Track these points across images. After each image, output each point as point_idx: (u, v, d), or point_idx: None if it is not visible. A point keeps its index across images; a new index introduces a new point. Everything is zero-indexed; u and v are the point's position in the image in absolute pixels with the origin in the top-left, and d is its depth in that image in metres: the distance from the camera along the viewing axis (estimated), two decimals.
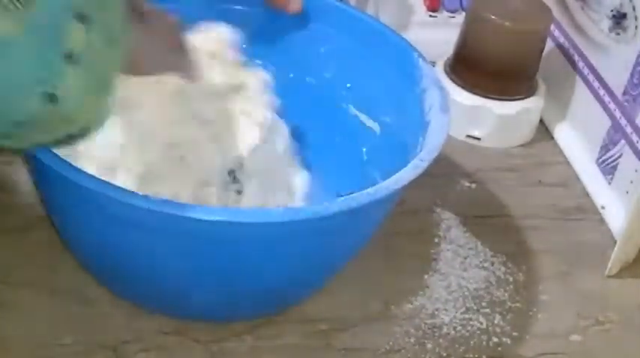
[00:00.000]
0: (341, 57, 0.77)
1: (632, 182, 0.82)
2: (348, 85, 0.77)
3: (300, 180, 0.73)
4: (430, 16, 0.96)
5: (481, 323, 0.72)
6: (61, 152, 0.58)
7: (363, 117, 0.76)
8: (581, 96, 0.90)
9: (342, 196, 0.64)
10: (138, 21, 0.62)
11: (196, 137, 0.68)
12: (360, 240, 0.67)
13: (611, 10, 0.85)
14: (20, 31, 0.48)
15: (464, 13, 0.93)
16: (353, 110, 0.76)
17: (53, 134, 0.55)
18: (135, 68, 0.60)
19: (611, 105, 0.85)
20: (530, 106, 0.91)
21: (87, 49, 0.51)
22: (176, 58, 0.68)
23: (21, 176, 0.75)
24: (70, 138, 0.55)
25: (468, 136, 0.91)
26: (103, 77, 0.54)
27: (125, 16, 0.54)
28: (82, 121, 0.55)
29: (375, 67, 0.74)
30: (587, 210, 0.85)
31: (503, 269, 0.77)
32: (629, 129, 0.83)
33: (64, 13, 0.50)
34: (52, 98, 0.50)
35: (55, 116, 0.52)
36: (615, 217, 0.83)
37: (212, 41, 0.70)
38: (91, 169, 0.60)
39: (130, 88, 0.63)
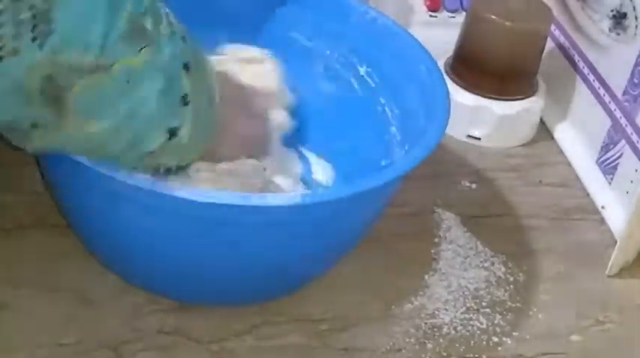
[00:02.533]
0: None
1: (632, 182, 0.82)
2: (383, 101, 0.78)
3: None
4: (430, 16, 0.96)
5: (481, 323, 0.72)
6: None
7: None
8: (582, 96, 0.90)
9: None
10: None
11: None
12: (335, 237, 0.68)
13: (612, 10, 0.85)
14: (140, 63, 0.55)
15: (464, 13, 0.93)
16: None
17: (168, 163, 0.62)
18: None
19: (612, 105, 0.85)
20: (531, 106, 0.91)
21: (193, 95, 0.59)
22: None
23: (22, 176, 0.75)
24: (171, 171, 0.63)
25: (469, 136, 0.91)
26: (204, 122, 0.62)
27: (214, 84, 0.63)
28: (188, 157, 0.63)
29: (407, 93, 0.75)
30: (587, 210, 0.85)
31: (503, 269, 0.77)
32: (629, 129, 0.83)
33: (176, 62, 0.58)
34: (174, 133, 0.59)
35: (174, 149, 0.60)
36: (615, 217, 0.83)
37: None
38: None
39: None
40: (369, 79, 0.78)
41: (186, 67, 0.59)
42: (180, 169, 0.63)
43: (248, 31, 0.75)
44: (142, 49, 0.55)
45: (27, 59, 0.50)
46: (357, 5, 0.78)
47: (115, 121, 0.56)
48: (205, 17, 0.74)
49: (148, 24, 0.55)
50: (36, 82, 0.52)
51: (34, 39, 0.50)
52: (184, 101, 0.59)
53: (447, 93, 0.70)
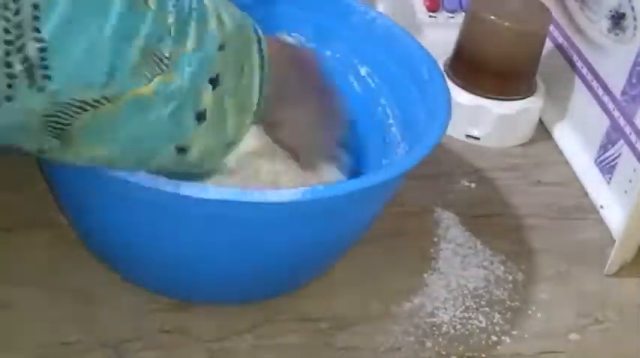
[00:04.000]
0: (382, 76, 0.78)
1: (630, 181, 0.82)
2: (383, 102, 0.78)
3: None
4: (430, 16, 0.96)
5: (480, 322, 0.72)
6: None
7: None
8: (580, 96, 0.91)
9: None
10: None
11: None
12: (331, 236, 0.68)
13: (610, 11, 0.85)
14: (152, 92, 0.53)
15: (463, 14, 0.93)
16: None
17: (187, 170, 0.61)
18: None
19: (610, 105, 0.86)
20: (530, 106, 0.91)
21: (214, 107, 0.57)
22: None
23: (21, 176, 0.76)
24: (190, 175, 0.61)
25: (468, 136, 0.91)
26: (226, 134, 0.59)
27: (260, 87, 0.60)
28: (203, 167, 0.61)
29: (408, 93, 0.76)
30: (586, 210, 0.85)
31: (502, 268, 0.77)
32: (627, 129, 0.83)
33: (198, 79, 0.55)
34: (181, 151, 0.57)
35: (182, 164, 0.59)
36: (614, 217, 0.83)
37: None
38: None
39: None
40: (369, 80, 0.78)
41: (212, 81, 0.56)
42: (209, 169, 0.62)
43: None
44: (155, 76, 0.53)
45: (24, 103, 0.49)
46: (357, 6, 0.79)
47: (121, 146, 0.55)
48: None
49: (167, 47, 0.53)
50: (36, 119, 0.50)
51: (30, 86, 0.48)
52: (199, 118, 0.56)
53: (448, 93, 0.71)
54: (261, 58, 0.60)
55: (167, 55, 0.53)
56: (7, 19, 0.46)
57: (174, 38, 0.53)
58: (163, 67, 0.53)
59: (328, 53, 0.80)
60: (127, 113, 0.53)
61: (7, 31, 0.46)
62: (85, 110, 0.51)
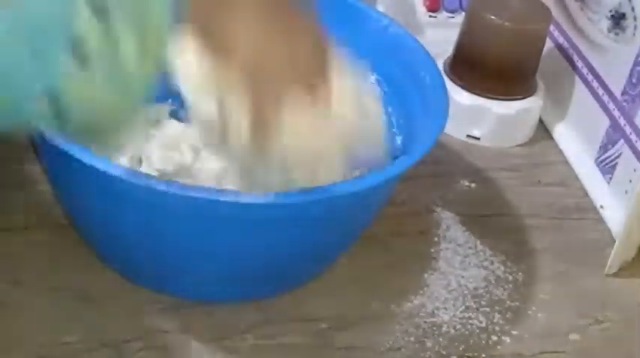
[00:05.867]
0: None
1: (630, 181, 0.82)
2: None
3: None
4: (430, 16, 0.97)
5: (480, 322, 0.72)
6: None
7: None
8: (580, 96, 0.91)
9: None
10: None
11: None
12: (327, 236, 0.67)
13: (610, 11, 0.85)
14: None
15: (463, 14, 0.93)
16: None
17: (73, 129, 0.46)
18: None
19: (610, 105, 0.86)
20: (530, 106, 0.91)
21: (102, 41, 0.42)
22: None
23: (22, 176, 0.76)
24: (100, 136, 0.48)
25: (468, 136, 0.91)
26: (126, 75, 0.44)
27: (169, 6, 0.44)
28: (104, 125, 0.47)
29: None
30: (586, 210, 0.85)
31: (502, 268, 0.77)
32: (627, 129, 0.83)
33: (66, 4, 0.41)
34: (55, 102, 0.42)
35: (66, 118, 0.44)
36: (614, 216, 0.83)
37: None
38: None
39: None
40: (378, 88, 0.78)
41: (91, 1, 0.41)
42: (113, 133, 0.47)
43: None
44: None
45: None
46: (369, 12, 0.78)
47: None
48: None
49: None
50: None
51: None
52: (78, 54, 0.41)
53: (447, 100, 0.71)
54: None
55: None
56: None
57: None
58: None
59: None
60: None
61: None
62: None
